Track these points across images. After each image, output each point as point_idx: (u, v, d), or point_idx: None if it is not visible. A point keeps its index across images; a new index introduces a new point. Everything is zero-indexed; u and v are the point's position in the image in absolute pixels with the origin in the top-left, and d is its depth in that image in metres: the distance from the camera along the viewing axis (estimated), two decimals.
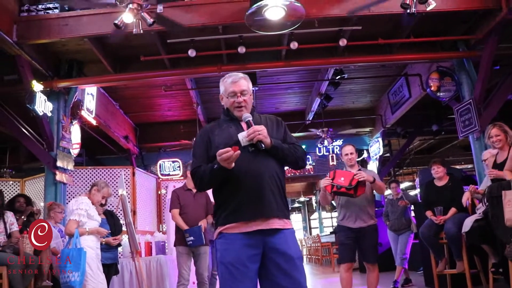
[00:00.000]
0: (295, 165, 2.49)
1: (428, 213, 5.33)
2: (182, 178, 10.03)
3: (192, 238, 5.01)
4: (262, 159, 2.31)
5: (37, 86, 6.29)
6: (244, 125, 2.42)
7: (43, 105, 6.44)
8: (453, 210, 5.10)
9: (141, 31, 5.31)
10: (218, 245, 2.32)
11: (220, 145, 2.26)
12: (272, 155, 2.35)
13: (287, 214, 2.37)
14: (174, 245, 5.34)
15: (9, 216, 4.85)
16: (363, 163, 12.35)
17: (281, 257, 2.23)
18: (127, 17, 5.14)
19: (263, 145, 2.26)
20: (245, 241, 2.23)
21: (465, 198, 4.99)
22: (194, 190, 5.28)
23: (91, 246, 4.25)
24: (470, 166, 14.86)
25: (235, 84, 2.43)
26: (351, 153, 4.59)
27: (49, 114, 6.69)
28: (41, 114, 6.40)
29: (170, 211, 5.37)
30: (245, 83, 2.46)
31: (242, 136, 2.27)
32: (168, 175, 11.41)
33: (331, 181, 4.29)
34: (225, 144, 2.25)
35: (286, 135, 2.51)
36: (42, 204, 6.98)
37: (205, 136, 2.45)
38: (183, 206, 5.24)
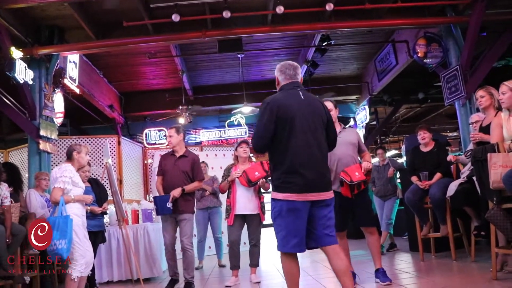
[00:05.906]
0: None
1: (414, 179, 5.38)
2: (168, 147, 9.98)
3: (156, 207, 4.75)
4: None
5: (16, 53, 6.10)
6: None
7: (23, 73, 6.25)
8: (438, 175, 5.16)
9: None
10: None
11: None
12: None
13: None
14: None
15: (3, 189, 4.72)
16: None
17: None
18: None
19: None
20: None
21: (449, 157, 5.08)
22: (178, 155, 4.98)
23: (77, 214, 4.18)
24: (455, 134, 15.02)
25: None
26: (330, 110, 4.44)
27: (30, 82, 6.49)
28: (21, 82, 6.22)
29: None
30: None
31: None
32: (154, 144, 11.36)
33: (349, 182, 4.01)
34: None
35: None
36: (26, 175, 6.88)
37: None
38: (164, 172, 4.94)
